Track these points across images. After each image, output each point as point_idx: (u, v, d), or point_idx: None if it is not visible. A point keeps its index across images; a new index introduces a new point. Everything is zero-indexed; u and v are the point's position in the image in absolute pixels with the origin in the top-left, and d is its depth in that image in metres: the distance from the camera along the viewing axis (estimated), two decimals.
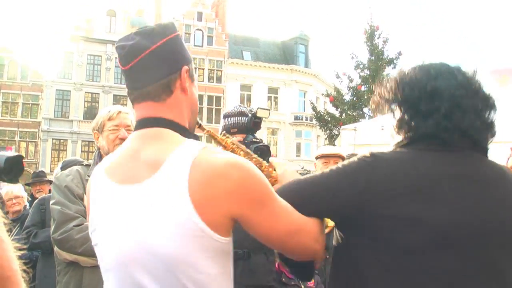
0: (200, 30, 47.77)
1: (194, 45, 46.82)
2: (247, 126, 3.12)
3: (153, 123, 1.62)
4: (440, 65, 1.81)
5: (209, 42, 47.61)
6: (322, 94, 26.87)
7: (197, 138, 1.70)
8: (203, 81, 46.16)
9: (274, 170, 2.07)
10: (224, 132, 2.27)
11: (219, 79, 47.05)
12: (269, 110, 3.12)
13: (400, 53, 22.83)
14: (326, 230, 1.96)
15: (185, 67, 1.67)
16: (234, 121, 3.19)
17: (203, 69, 46.65)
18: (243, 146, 2.14)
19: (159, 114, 1.62)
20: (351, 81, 22.95)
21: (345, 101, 22.99)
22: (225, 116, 3.29)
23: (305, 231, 1.61)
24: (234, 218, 1.49)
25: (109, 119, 3.30)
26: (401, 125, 1.75)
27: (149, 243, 1.46)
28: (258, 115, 3.00)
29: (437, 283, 1.54)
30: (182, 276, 1.45)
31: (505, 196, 1.65)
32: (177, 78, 1.65)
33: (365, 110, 22.32)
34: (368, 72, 22.52)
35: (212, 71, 47.25)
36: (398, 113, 1.77)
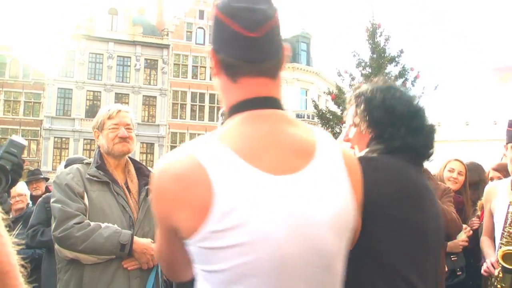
0: (202, 28, 47.77)
1: (196, 43, 46.92)
2: None
3: (275, 104, 1.46)
4: (392, 89, 2.08)
5: (211, 40, 47.47)
6: (324, 92, 26.82)
7: None
8: (205, 79, 46.24)
9: None
10: None
11: None
12: None
13: (402, 51, 22.78)
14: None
15: (287, 46, 1.51)
16: None
17: (205, 67, 46.65)
18: None
19: (275, 94, 1.47)
20: (352, 79, 22.90)
21: (347, 99, 22.93)
22: (223, 114, 3.33)
23: None
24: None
25: (109, 117, 3.30)
26: (369, 142, 2.04)
27: (318, 242, 1.33)
28: None
29: (418, 279, 1.79)
30: (338, 277, 1.41)
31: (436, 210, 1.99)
32: (283, 56, 1.49)
33: None
34: (369, 70, 22.47)
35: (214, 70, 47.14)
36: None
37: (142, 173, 3.42)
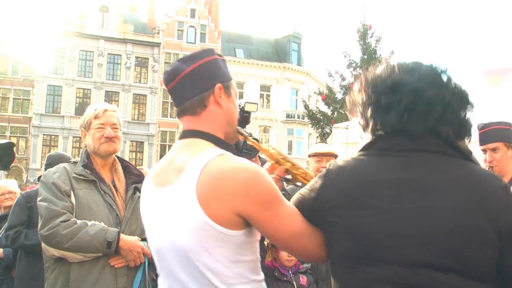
0: (193, 27, 47.71)
1: (187, 42, 46.79)
2: None
3: (190, 134, 1.89)
4: (410, 62, 1.76)
5: (202, 39, 47.55)
6: (315, 92, 26.94)
7: (232, 148, 1.97)
8: None
9: None
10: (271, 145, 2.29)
11: None
12: (257, 104, 3.15)
13: (392, 52, 22.87)
14: None
15: (219, 84, 1.89)
16: None
17: None
18: (289, 158, 2.25)
19: (195, 126, 1.88)
20: (343, 79, 22.98)
21: (337, 99, 22.99)
22: None
23: (307, 236, 1.75)
24: (240, 215, 1.68)
25: (95, 117, 3.30)
26: (366, 123, 1.75)
27: (174, 239, 1.73)
28: (246, 109, 3.02)
29: None
30: (199, 264, 1.69)
31: (448, 204, 1.55)
32: (211, 94, 1.87)
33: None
34: (360, 71, 22.54)
35: None
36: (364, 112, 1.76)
37: (130, 172, 3.44)
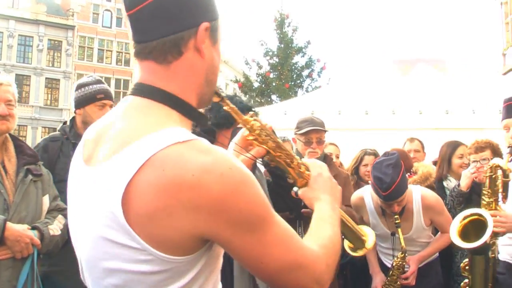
0: (109, 10, 46.71)
1: (103, 26, 45.85)
2: None
3: (147, 93, 1.31)
4: None
5: (118, 23, 46.63)
6: (231, 80, 27.14)
7: (206, 120, 1.48)
8: (111, 63, 45.34)
9: (308, 170, 1.70)
10: (254, 112, 1.72)
11: (127, 62, 46.34)
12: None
13: (309, 42, 23.53)
14: (361, 253, 2.13)
15: (205, 24, 1.32)
16: None
17: (111, 51, 45.73)
18: (275, 136, 1.69)
19: (158, 82, 1.31)
20: (260, 67, 23.37)
21: (254, 87, 23.38)
22: None
23: (305, 268, 1.28)
24: (202, 238, 1.19)
25: None
26: None
27: (90, 224, 1.25)
28: None
29: None
30: (114, 245, 1.18)
31: None
32: (191, 36, 1.31)
33: (273, 97, 22.87)
34: (277, 60, 23.04)
35: (121, 54, 46.42)
36: None
37: (22, 152, 3.06)
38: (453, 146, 5.15)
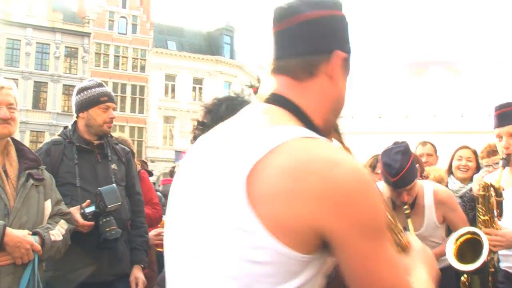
0: (124, 17, 46.98)
1: (118, 33, 46.09)
2: None
3: (278, 102, 1.35)
4: None
5: (133, 30, 46.90)
6: (246, 85, 27.18)
7: None
8: (126, 69, 45.56)
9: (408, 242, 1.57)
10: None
11: (143, 68, 46.48)
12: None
13: None
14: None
15: (341, 53, 1.35)
16: None
17: (127, 57, 45.99)
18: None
19: (291, 95, 1.34)
20: None
21: None
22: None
23: None
24: (319, 234, 1.12)
25: None
26: None
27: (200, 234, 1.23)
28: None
29: None
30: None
31: None
32: (325, 61, 1.34)
33: None
34: None
35: (136, 60, 46.63)
36: None
37: (24, 156, 3.05)
38: (457, 148, 5.19)
